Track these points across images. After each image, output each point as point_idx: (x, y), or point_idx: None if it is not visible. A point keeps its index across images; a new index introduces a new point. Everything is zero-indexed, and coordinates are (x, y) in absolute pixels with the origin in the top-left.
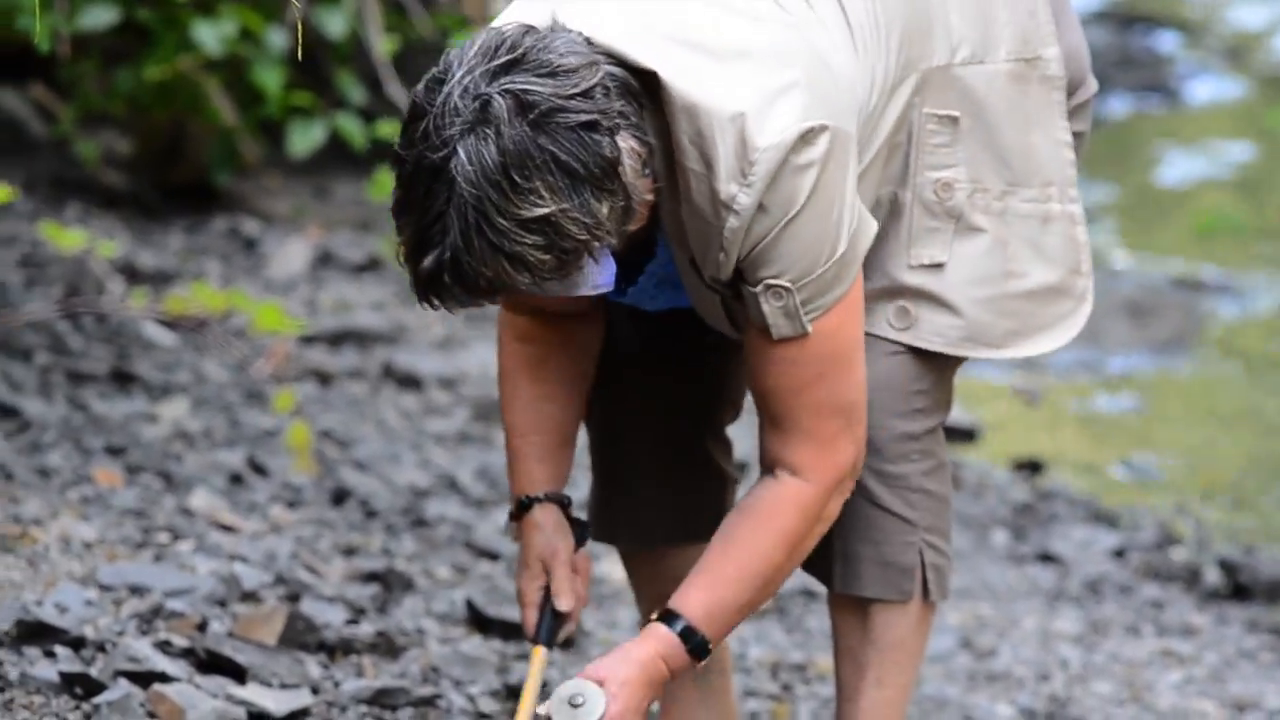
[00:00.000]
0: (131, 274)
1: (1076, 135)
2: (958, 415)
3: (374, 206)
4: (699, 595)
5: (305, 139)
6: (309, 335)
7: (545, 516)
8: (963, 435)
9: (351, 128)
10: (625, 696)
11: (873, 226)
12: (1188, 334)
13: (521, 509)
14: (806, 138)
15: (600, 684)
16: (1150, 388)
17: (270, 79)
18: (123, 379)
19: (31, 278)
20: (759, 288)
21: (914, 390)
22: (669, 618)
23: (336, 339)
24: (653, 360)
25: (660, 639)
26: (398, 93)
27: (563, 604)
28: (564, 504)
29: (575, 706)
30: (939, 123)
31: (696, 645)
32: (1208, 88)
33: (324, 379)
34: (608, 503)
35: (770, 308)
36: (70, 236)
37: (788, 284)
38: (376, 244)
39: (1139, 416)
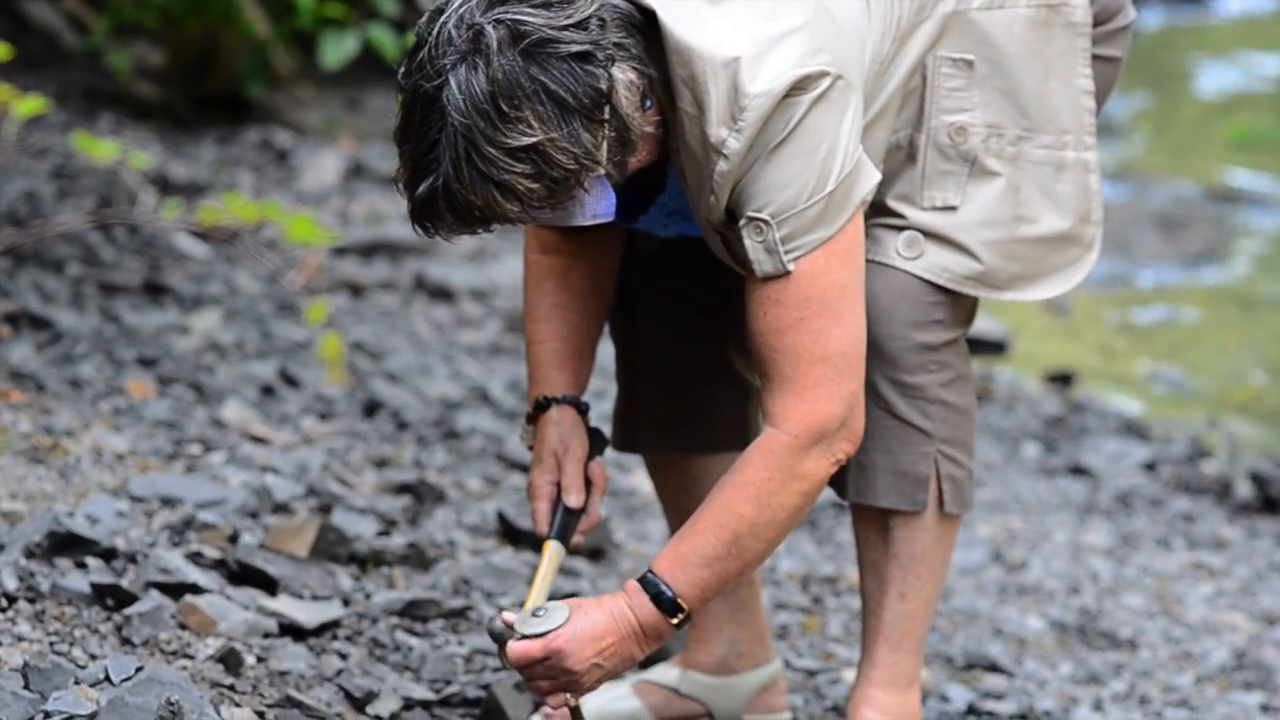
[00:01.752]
0: (164, 185)
1: (1112, 60)
2: (988, 327)
3: None
4: (669, 546)
5: (337, 50)
6: (341, 247)
7: (562, 415)
8: (993, 347)
9: (384, 39)
10: (582, 623)
11: (874, 176)
12: (1219, 246)
13: (539, 409)
14: (801, 84)
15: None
16: (1181, 300)
17: None
18: (155, 290)
19: (64, 189)
20: (742, 222)
21: (932, 302)
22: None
23: (368, 250)
24: (676, 268)
25: (629, 587)
26: (430, 3)
27: (572, 499)
28: (581, 409)
29: (536, 616)
30: (954, 66)
31: (660, 595)
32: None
33: (356, 290)
34: (629, 410)
35: (751, 243)
36: (103, 148)
37: (767, 218)
38: None
39: (1170, 329)
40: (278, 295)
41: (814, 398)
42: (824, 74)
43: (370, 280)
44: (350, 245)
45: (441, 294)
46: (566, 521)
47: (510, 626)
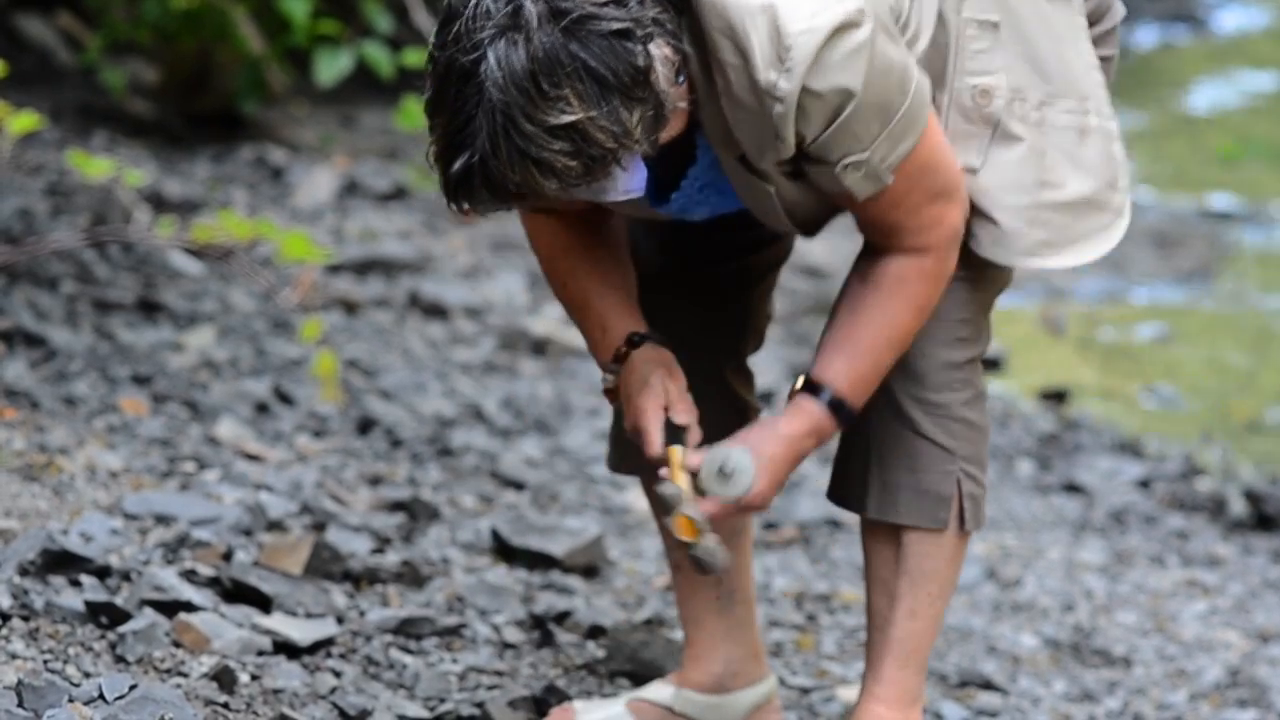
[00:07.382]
0: (158, 203)
1: (1104, 59)
2: None
3: (401, 135)
4: (841, 366)
5: (332, 67)
6: (335, 264)
7: (659, 350)
8: (987, 364)
9: (378, 56)
10: (771, 472)
11: (925, 79)
12: (1213, 263)
13: (632, 345)
14: (843, 29)
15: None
16: (1175, 317)
17: (297, 7)
18: (149, 308)
19: (58, 206)
20: (838, 168)
21: (958, 319)
22: (815, 389)
23: (363, 268)
24: (673, 288)
25: (810, 414)
26: (424, 21)
27: (681, 416)
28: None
29: (725, 475)
30: (979, 28)
31: (845, 416)
32: (1235, 17)
33: (350, 308)
34: (625, 431)
35: (851, 178)
36: (97, 165)
37: (862, 156)
38: (403, 172)
39: (1164, 346)
40: (272, 313)
41: (942, 222)
42: (860, 11)
43: (364, 298)
44: (344, 262)
45: (436, 311)
46: (676, 433)
47: (696, 483)
